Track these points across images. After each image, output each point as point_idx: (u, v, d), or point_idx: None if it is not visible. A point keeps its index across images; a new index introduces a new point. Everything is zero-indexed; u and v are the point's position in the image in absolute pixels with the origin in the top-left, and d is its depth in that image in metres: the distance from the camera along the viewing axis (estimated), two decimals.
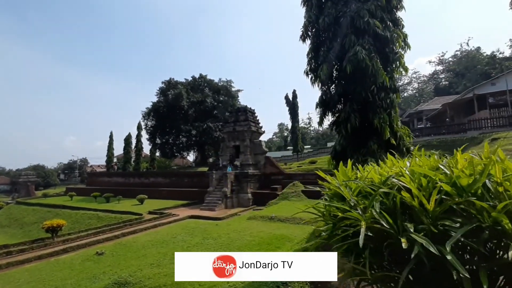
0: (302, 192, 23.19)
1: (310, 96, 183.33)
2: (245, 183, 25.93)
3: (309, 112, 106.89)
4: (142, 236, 15.23)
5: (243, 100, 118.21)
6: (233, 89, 53.94)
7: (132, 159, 55.54)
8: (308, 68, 8.34)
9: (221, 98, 51.42)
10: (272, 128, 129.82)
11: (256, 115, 31.32)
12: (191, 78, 53.32)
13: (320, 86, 8.21)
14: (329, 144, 58.76)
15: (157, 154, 56.39)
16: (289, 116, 51.47)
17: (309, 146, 71.58)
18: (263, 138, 31.65)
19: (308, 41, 8.39)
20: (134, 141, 54.51)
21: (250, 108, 30.58)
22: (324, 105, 8.04)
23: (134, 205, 27.03)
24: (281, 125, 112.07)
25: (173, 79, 50.71)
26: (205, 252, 9.85)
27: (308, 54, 8.36)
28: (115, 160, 59.43)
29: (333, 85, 8.11)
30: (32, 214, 29.52)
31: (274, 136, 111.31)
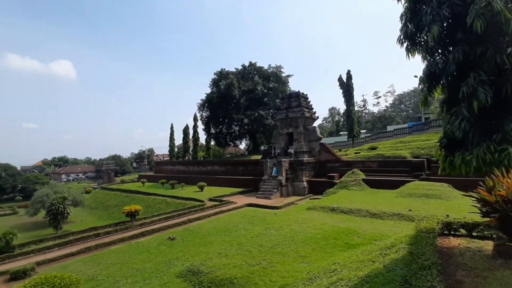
0: (363, 180, 21.52)
1: (364, 77, 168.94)
2: (300, 171, 25.26)
3: (363, 94, 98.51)
4: (206, 223, 16.10)
5: (293, 85, 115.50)
6: (283, 74, 52.55)
7: (190, 149, 59.60)
8: (403, 34, 6.65)
9: (271, 85, 50.69)
10: (322, 113, 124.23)
11: (309, 100, 29.91)
12: (241, 67, 53.71)
13: (424, 55, 6.52)
14: (389, 128, 53.38)
15: (212, 143, 59.33)
16: (343, 99, 48.17)
17: (364, 131, 66.39)
18: (315, 123, 30.16)
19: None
20: (191, 132, 58.20)
21: (303, 93, 29.24)
22: (432, 78, 6.32)
23: (195, 191, 28.96)
24: (332, 110, 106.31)
25: (224, 69, 51.81)
26: (270, 243, 9.79)
27: (402, 17, 6.61)
28: (176, 149, 64.71)
29: (446, 51, 6.31)
30: (114, 198, 34.21)
31: (324, 122, 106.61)
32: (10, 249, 12.26)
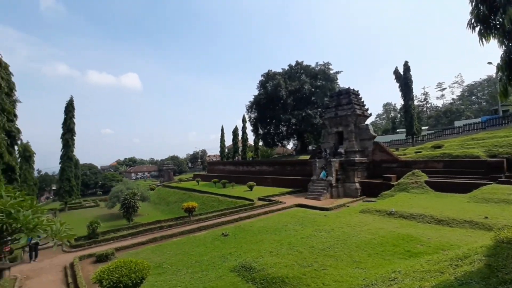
0: (426, 183, 19.41)
1: (424, 68, 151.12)
2: (352, 172, 24.04)
3: (424, 86, 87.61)
4: (256, 221, 16.59)
5: (343, 82, 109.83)
6: (331, 71, 50.61)
7: (240, 149, 61.77)
8: (474, 17, 5.83)
9: (319, 83, 49.30)
10: (375, 110, 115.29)
11: (360, 96, 28.21)
12: (287, 67, 53.54)
13: (501, 39, 5.63)
14: (457, 123, 46.90)
15: (260, 143, 60.47)
16: (399, 93, 44.02)
17: (426, 127, 59.43)
18: (367, 121, 28.24)
19: None
20: (240, 133, 60.31)
21: (353, 89, 27.74)
22: None
23: (245, 191, 29.95)
24: (387, 105, 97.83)
25: (271, 70, 52.32)
26: (321, 245, 9.63)
27: None
28: (226, 150, 67.80)
29: None
30: (173, 195, 37.56)
31: (378, 119, 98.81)
32: (95, 235, 14.57)
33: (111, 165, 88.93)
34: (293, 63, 53.40)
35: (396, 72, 44.02)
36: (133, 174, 77.41)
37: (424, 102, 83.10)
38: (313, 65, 52.27)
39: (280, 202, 21.95)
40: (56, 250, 13.16)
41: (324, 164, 25.07)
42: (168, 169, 64.15)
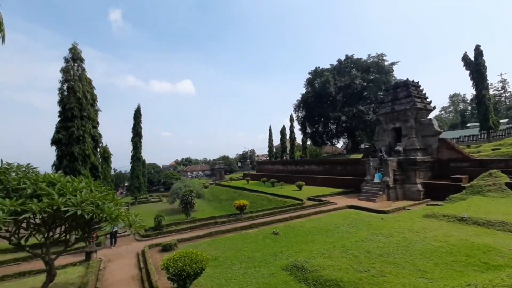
0: (507, 185, 16.57)
1: (501, 52, 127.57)
2: (412, 172, 21.87)
3: (501, 73, 73.37)
4: (306, 221, 16.41)
5: (399, 74, 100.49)
6: (385, 63, 46.70)
7: (288, 149, 61.56)
8: None
9: (371, 77, 46.00)
10: (439, 102, 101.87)
11: (421, 88, 25.43)
12: (336, 62, 51.29)
13: None
14: None
15: (308, 142, 59.26)
16: (470, 82, 38.09)
17: (505, 120, 50.20)
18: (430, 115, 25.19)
19: None
20: (288, 132, 60.09)
21: (413, 81, 25.15)
22: None
23: (294, 190, 29.76)
24: (454, 97, 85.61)
25: (318, 67, 50.86)
26: (378, 250, 9.06)
27: None
28: (274, 150, 68.27)
29: None
30: (225, 193, 39.44)
31: (443, 112, 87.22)
32: (161, 227, 16.30)
33: (170, 164, 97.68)
34: (343, 58, 50.91)
35: (465, 58, 38.60)
36: (189, 173, 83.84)
37: (502, 91, 70.13)
38: (364, 57, 49.04)
39: (331, 202, 21.26)
40: (131, 238, 15.16)
41: (378, 164, 23.39)
42: (220, 169, 67.50)
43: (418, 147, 22.89)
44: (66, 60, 16.12)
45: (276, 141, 68.07)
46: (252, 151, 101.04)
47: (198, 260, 8.03)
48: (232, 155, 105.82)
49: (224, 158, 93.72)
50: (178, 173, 69.99)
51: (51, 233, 7.53)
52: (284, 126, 62.27)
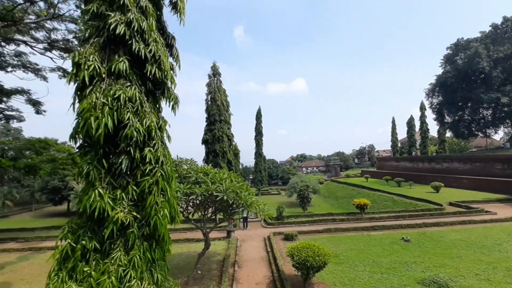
0: None
1: None
2: None
3: None
4: (448, 231, 13.55)
5: None
6: None
7: (417, 143, 51.94)
8: None
9: None
10: None
11: None
12: (490, 28, 38.40)
13: None
14: None
15: (448, 134, 47.71)
16: None
17: None
18: None
19: None
20: (417, 123, 50.73)
21: None
22: None
23: (428, 192, 24.95)
24: None
25: (461, 39, 39.76)
26: None
27: None
28: (399, 144, 59.30)
29: None
30: (342, 190, 37.96)
31: None
32: (282, 218, 17.76)
33: (286, 160, 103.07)
34: (498, 21, 37.78)
35: None
36: (304, 169, 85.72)
37: None
38: None
39: (487, 211, 16.58)
40: (258, 224, 17.43)
41: None
42: (335, 165, 65.35)
43: None
44: (209, 76, 20.50)
45: (401, 135, 58.87)
46: (371, 147, 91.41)
47: (321, 254, 8.33)
48: (347, 151, 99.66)
49: (339, 154, 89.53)
50: (294, 168, 72.92)
51: (206, 212, 9.87)
52: (411, 116, 52.97)
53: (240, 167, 23.90)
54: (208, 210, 10.03)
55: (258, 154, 45.71)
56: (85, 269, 4.42)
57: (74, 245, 4.51)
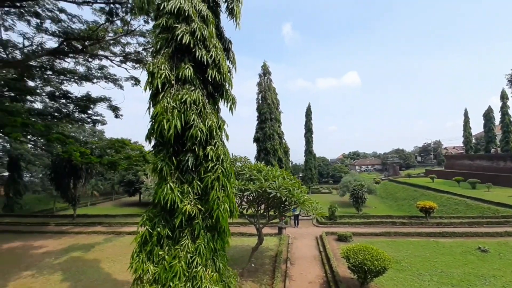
0: None
1: None
2: None
3: None
4: None
5: None
6: None
7: (497, 138, 44.22)
8: None
9: None
10: None
11: None
12: None
13: None
14: None
15: None
16: None
17: None
18: None
19: None
20: (497, 115, 43.17)
21: None
22: None
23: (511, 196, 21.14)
24: None
25: None
26: None
27: None
28: (473, 140, 51.35)
29: None
30: (402, 191, 34.71)
31: None
32: (334, 217, 17.19)
33: (337, 158, 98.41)
34: None
35: None
36: (357, 167, 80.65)
37: None
38: None
39: None
40: (309, 222, 17.22)
41: None
42: (393, 163, 60.04)
43: None
44: (259, 76, 21.04)
45: (475, 129, 50.86)
46: (437, 143, 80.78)
47: (380, 258, 7.86)
48: (408, 148, 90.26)
49: (398, 152, 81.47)
50: (346, 166, 69.25)
51: (259, 208, 10.18)
52: (489, 107, 45.30)
53: (290, 165, 23.79)
54: (261, 207, 10.33)
55: (308, 151, 44.87)
56: (160, 253, 5.06)
57: (151, 231, 5.20)
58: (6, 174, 27.94)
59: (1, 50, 11.23)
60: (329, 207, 17.33)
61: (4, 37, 11.22)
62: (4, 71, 12.44)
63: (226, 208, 5.26)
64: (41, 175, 34.18)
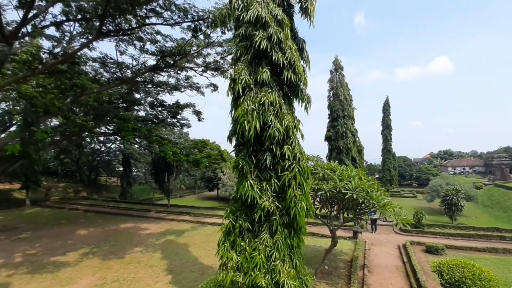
0: None
1: None
2: None
3: None
4: None
5: None
6: None
7: None
8: None
9: None
10: None
11: None
12: None
13: None
14: None
15: None
16: None
17: None
18: None
19: None
20: None
21: None
22: None
23: None
24: None
25: None
26: None
27: None
28: None
29: None
30: None
31: None
32: (421, 225, 15.15)
33: (423, 157, 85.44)
34: None
35: None
36: (450, 168, 68.08)
37: None
38: None
39: None
40: (389, 229, 15.68)
41: None
42: (502, 165, 48.17)
43: None
44: (331, 72, 20.23)
45: None
46: None
47: (484, 278, 6.65)
48: None
49: (508, 150, 64.96)
50: (435, 167, 59.46)
51: (332, 209, 9.90)
52: None
53: (364, 164, 22.04)
54: (334, 208, 10.01)
55: (386, 150, 40.48)
56: (241, 243, 5.56)
57: (234, 223, 5.76)
58: (121, 169, 35.45)
59: (118, 70, 14.44)
60: (415, 213, 15.38)
61: (119, 60, 14.32)
62: (119, 88, 15.86)
63: (303, 206, 5.38)
64: (144, 170, 41.95)
